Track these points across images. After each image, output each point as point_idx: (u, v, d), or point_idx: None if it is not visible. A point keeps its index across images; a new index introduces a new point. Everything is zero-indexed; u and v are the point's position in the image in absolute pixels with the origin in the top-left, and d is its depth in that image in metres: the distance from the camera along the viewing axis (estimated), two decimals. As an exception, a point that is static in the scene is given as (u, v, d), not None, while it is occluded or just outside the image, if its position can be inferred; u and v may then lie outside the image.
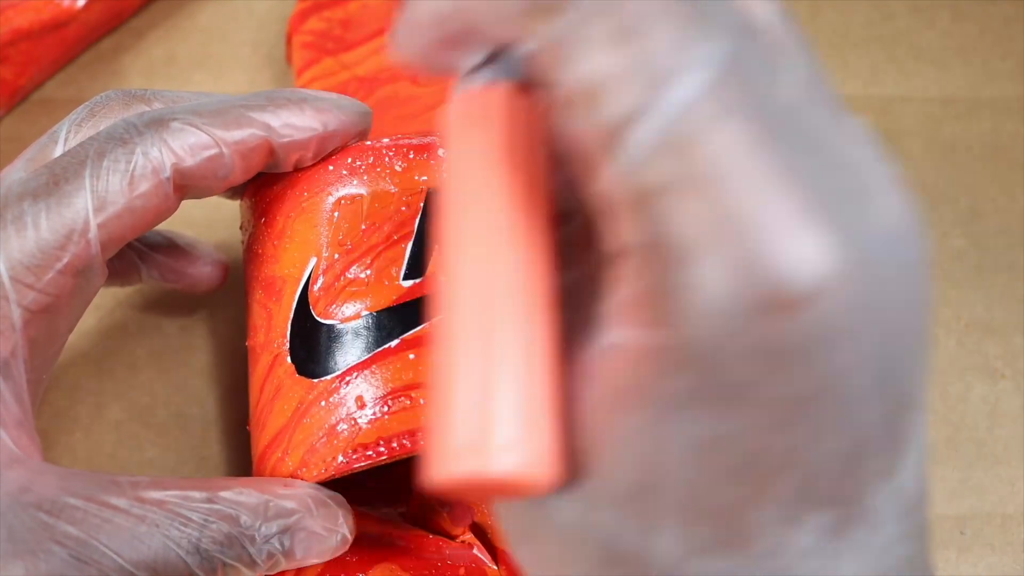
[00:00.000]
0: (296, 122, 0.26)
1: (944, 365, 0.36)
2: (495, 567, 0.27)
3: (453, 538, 0.28)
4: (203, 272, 0.32)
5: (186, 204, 0.27)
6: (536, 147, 0.17)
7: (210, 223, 0.37)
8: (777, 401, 0.14)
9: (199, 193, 0.26)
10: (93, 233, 0.24)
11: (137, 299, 0.36)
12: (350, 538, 0.25)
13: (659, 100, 0.13)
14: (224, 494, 0.24)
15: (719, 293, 0.13)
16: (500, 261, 0.16)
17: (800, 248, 0.13)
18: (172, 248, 0.32)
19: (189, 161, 0.25)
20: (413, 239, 0.26)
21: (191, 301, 0.36)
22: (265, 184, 0.28)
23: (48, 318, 0.25)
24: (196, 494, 0.23)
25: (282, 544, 0.24)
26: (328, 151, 0.27)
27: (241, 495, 0.24)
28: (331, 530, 0.25)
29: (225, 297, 0.36)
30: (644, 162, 0.13)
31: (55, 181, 0.24)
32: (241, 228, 0.30)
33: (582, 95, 0.14)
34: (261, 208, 0.28)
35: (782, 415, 0.14)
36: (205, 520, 0.23)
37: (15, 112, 0.40)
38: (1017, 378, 0.36)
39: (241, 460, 0.33)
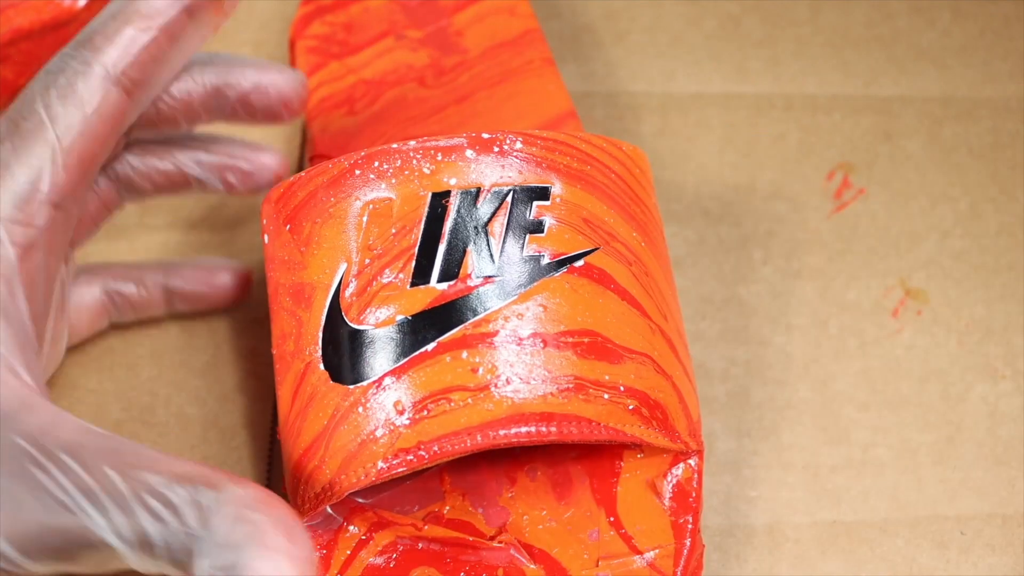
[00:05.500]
0: None
1: (944, 365, 0.36)
2: (533, 566, 0.27)
3: (489, 539, 0.28)
4: (226, 284, 0.33)
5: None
6: None
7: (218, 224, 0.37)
8: None
9: (152, 88, 0.28)
10: (60, 161, 0.26)
11: (137, 299, 0.36)
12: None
13: None
14: (212, 495, 0.23)
15: None
16: None
17: None
18: (193, 269, 0.33)
19: (124, 57, 0.27)
20: (445, 241, 0.26)
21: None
22: (289, 191, 0.28)
23: (38, 254, 0.26)
24: (193, 488, 0.23)
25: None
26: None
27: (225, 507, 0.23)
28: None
29: (225, 297, 0.36)
30: None
31: (14, 122, 0.26)
32: (263, 235, 0.30)
33: None
34: (285, 214, 0.28)
35: None
36: (183, 516, 0.23)
37: (15, 112, 0.40)
38: (1017, 378, 0.36)
39: (241, 460, 0.33)
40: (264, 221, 0.29)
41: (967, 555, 0.33)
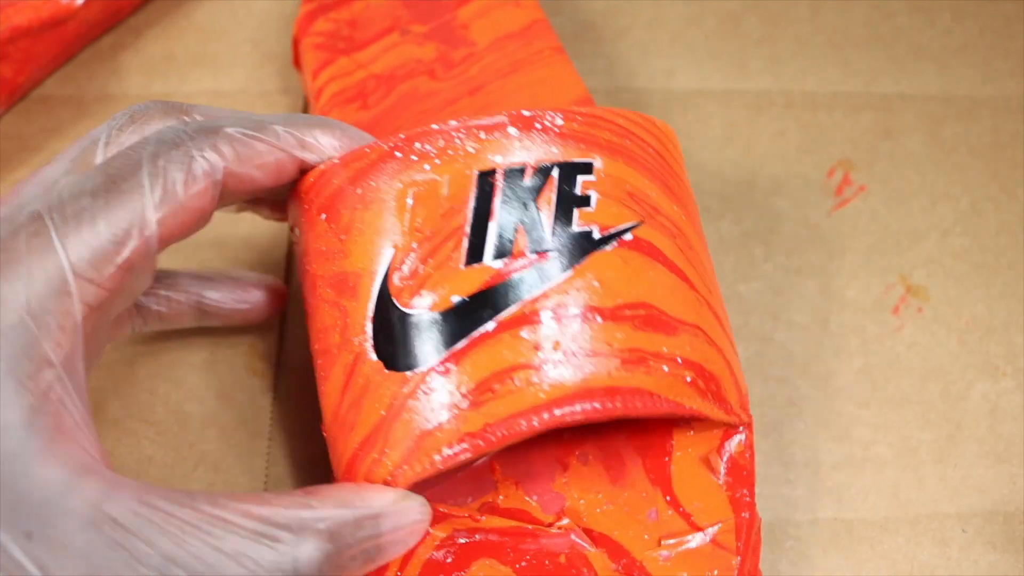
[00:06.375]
0: (324, 143, 0.27)
1: (945, 363, 0.36)
2: (595, 550, 0.27)
3: (547, 526, 0.27)
4: (260, 301, 0.33)
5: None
6: None
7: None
8: None
9: (230, 200, 0.27)
10: (151, 230, 0.25)
11: (136, 296, 0.36)
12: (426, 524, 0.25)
13: None
14: (312, 513, 0.23)
15: None
16: None
17: None
18: (229, 284, 0.33)
19: (238, 168, 0.26)
20: (496, 219, 0.26)
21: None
22: (321, 181, 0.27)
23: (102, 314, 0.25)
24: (284, 511, 0.23)
25: (370, 553, 0.24)
26: None
27: (334, 510, 0.23)
28: (414, 530, 0.25)
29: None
30: None
31: (112, 180, 0.24)
32: (291, 229, 0.29)
33: None
34: (319, 205, 0.27)
35: None
36: (297, 540, 0.22)
37: (14, 110, 0.40)
38: (1018, 376, 0.36)
39: (240, 458, 0.33)
40: (293, 215, 0.29)
41: (968, 553, 0.32)
